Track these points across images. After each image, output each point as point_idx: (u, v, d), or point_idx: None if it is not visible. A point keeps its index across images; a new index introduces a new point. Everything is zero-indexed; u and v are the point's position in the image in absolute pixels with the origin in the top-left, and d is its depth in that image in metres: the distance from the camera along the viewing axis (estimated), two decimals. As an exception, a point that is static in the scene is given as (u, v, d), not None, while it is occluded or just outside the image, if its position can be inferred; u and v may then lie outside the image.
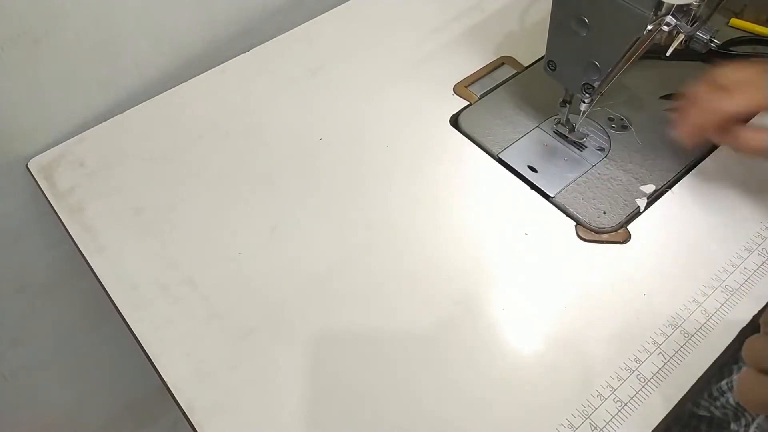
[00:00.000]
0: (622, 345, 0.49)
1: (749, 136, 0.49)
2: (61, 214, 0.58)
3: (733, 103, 0.49)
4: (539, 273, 0.53)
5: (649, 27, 0.46)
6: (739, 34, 0.70)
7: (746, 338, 0.46)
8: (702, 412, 0.53)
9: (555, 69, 0.56)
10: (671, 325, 0.49)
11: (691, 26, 0.47)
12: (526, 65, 0.69)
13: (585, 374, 0.47)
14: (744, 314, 0.50)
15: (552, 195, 0.58)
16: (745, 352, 0.37)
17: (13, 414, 0.87)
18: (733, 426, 0.51)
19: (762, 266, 0.53)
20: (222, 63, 0.70)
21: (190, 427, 0.46)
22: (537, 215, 0.57)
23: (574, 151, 0.61)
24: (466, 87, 0.67)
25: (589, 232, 0.55)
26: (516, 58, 0.70)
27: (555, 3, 0.52)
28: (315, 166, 0.61)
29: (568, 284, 0.52)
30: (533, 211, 0.57)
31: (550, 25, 0.54)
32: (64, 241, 0.58)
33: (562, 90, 0.58)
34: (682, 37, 0.48)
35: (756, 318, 0.50)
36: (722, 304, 0.50)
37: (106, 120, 0.66)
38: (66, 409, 0.94)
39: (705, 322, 0.49)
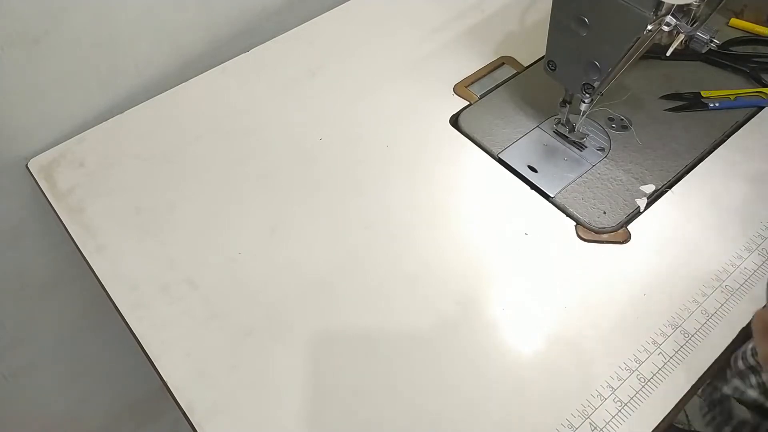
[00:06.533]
0: (622, 345, 0.49)
1: None
2: (61, 214, 0.58)
3: None
4: (539, 273, 0.53)
5: (649, 27, 0.46)
6: (739, 34, 0.70)
7: (743, 334, 0.46)
8: None
9: (555, 69, 0.56)
10: (671, 325, 0.49)
11: (691, 26, 0.47)
12: (526, 65, 0.69)
13: (585, 374, 0.47)
14: (744, 314, 0.50)
15: (552, 195, 0.58)
16: (755, 325, 0.40)
17: (13, 414, 0.87)
18: None
19: (762, 266, 0.53)
20: (222, 63, 0.70)
21: (190, 427, 0.46)
22: (537, 215, 0.57)
23: (574, 151, 0.61)
24: (466, 87, 0.67)
25: (589, 232, 0.55)
26: (516, 58, 0.70)
27: (555, 3, 0.52)
28: (315, 167, 0.61)
29: (568, 284, 0.52)
30: (533, 211, 0.57)
31: (550, 25, 0.54)
32: (64, 241, 0.58)
33: (562, 90, 0.58)
34: (682, 37, 0.48)
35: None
36: (722, 304, 0.50)
37: (106, 120, 0.66)
38: (66, 409, 0.94)
39: (705, 322, 0.49)
